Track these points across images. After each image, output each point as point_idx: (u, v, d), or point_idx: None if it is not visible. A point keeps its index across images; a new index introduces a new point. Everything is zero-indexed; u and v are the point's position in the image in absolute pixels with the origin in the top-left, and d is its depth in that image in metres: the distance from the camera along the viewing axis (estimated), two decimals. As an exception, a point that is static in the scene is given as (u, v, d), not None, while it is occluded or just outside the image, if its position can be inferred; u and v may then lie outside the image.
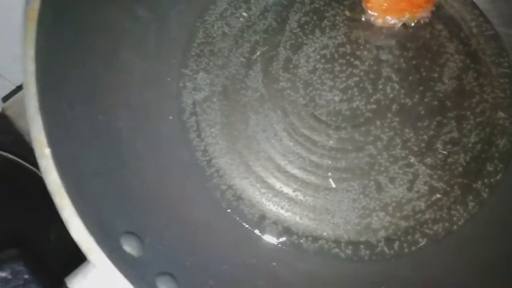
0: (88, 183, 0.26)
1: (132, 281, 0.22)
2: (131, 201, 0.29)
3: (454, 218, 0.36)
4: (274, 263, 0.35)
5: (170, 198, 0.34)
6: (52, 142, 0.23)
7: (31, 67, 0.24)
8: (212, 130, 0.39)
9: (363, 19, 0.40)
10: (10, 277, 0.31)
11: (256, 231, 0.36)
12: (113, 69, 0.32)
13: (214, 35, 0.41)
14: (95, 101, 0.30)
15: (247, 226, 0.36)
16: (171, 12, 0.38)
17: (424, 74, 0.39)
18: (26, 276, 0.31)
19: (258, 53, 0.40)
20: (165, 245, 0.29)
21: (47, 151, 0.23)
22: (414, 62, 0.39)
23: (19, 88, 0.47)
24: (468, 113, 0.38)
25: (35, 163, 0.27)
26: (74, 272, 0.24)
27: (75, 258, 0.24)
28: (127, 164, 0.31)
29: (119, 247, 0.25)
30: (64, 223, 0.23)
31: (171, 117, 0.37)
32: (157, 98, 0.36)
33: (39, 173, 0.34)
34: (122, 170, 0.30)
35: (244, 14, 0.42)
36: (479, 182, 0.37)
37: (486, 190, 0.37)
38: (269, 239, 0.36)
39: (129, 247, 0.25)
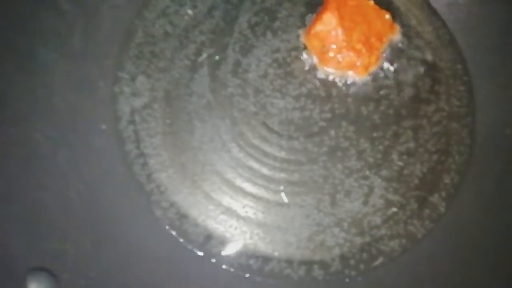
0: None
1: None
2: (46, 228, 0.25)
3: (411, 234, 0.34)
4: (220, 289, 0.32)
5: (100, 220, 0.29)
6: None
7: None
8: (153, 140, 0.35)
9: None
10: None
11: (201, 254, 0.33)
12: (29, 71, 0.27)
13: (155, 35, 0.37)
14: (3, 111, 0.25)
15: (191, 248, 0.33)
16: (103, 6, 0.34)
17: (379, 81, 0.37)
18: None
19: (205, 55, 0.37)
20: (89, 280, 0.25)
21: None
22: (370, 68, 0.37)
23: None
24: (424, 122, 0.37)
25: None
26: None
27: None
28: (44, 183, 0.26)
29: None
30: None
31: (104, 127, 0.33)
32: (86, 105, 0.32)
33: None
34: (36, 191, 0.25)
35: (189, 12, 0.38)
36: (436, 195, 0.35)
37: (443, 203, 0.35)
38: (216, 261, 0.33)
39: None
